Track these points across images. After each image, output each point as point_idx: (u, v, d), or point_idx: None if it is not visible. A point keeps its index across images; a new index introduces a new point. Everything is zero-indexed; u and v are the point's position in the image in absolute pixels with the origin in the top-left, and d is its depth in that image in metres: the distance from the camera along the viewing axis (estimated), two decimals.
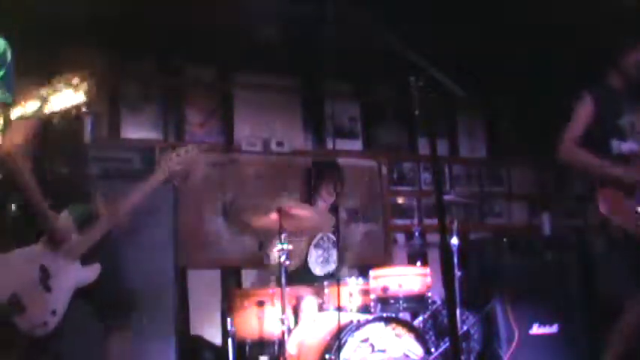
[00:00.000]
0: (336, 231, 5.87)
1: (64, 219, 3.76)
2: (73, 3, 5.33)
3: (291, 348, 4.86)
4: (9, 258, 3.63)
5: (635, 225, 4.37)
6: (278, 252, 4.90)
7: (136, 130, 6.42)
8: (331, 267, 5.87)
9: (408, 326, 4.82)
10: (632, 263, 4.45)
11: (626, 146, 4.54)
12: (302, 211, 5.11)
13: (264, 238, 5.77)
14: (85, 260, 3.86)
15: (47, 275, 3.67)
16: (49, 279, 3.67)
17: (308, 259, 5.86)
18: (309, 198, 5.90)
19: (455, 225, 5.52)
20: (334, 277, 5.43)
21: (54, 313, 3.64)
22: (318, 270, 5.84)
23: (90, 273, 3.87)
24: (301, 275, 5.62)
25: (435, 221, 3.85)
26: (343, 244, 5.96)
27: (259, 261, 5.94)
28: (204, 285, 6.44)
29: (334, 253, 5.89)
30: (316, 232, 5.75)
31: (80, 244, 3.84)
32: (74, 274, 3.80)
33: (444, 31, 6.06)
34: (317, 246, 5.87)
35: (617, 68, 4.68)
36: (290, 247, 4.98)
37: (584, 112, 4.64)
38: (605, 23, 5.03)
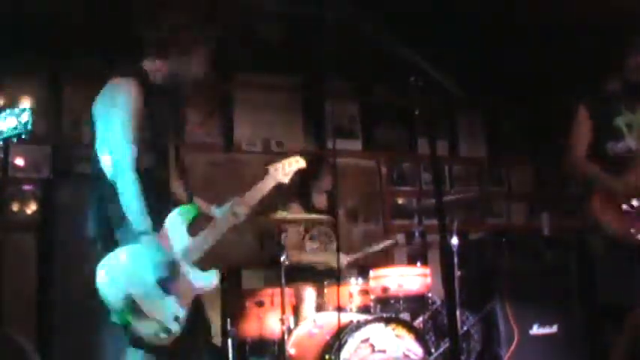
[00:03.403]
0: (335, 229, 5.88)
1: (174, 219, 3.57)
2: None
3: (290, 348, 4.86)
4: (122, 254, 3.39)
5: (623, 227, 4.39)
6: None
7: None
8: (328, 257, 5.88)
9: (408, 326, 4.83)
10: (628, 264, 4.45)
11: (622, 145, 4.55)
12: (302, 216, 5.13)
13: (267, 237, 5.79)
14: (203, 265, 3.64)
15: (166, 276, 3.41)
16: (167, 282, 3.42)
17: (304, 249, 5.86)
18: (303, 197, 5.91)
19: (455, 225, 5.52)
20: (333, 275, 5.44)
21: (176, 319, 3.40)
22: (315, 261, 5.85)
23: (210, 279, 3.63)
24: (299, 270, 5.61)
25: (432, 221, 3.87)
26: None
27: (259, 261, 5.95)
28: None
29: (330, 245, 5.89)
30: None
31: (195, 247, 3.61)
32: (192, 280, 3.55)
33: (444, 32, 6.06)
34: (312, 238, 5.87)
35: (616, 69, 4.69)
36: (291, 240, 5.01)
37: (580, 123, 4.66)
38: (606, 24, 5.03)
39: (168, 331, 3.36)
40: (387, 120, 7.66)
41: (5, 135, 3.17)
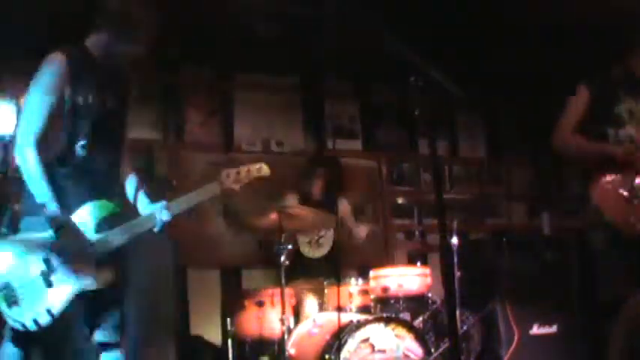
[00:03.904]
0: (336, 228, 5.88)
1: (82, 215, 3.50)
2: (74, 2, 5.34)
3: (290, 348, 4.86)
4: (13, 242, 3.44)
5: (625, 217, 4.38)
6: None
7: (136, 130, 6.39)
8: (324, 250, 5.88)
9: (408, 326, 4.83)
10: (629, 261, 4.45)
11: (624, 133, 4.54)
12: (301, 211, 5.11)
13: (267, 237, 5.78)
14: (101, 263, 3.50)
15: (51, 269, 3.39)
16: (52, 274, 3.40)
17: (297, 241, 5.86)
18: (303, 194, 5.93)
19: (455, 225, 5.52)
20: (330, 267, 5.45)
21: (49, 311, 3.37)
22: (307, 251, 5.85)
23: (101, 278, 3.49)
24: (297, 265, 5.60)
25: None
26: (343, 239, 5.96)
27: (259, 261, 5.95)
28: (204, 285, 6.45)
29: (326, 235, 5.89)
30: (316, 230, 5.77)
31: (98, 243, 3.49)
32: (81, 274, 3.44)
33: (443, 32, 6.06)
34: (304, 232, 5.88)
35: (621, 63, 4.67)
36: (290, 246, 5.00)
37: (578, 101, 4.63)
38: (606, 24, 5.03)
39: (37, 323, 3.35)
40: (387, 120, 7.66)
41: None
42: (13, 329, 3.38)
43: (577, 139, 4.56)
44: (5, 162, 5.42)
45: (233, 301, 5.35)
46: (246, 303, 5.15)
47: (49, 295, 3.40)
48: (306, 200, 5.89)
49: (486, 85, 7.18)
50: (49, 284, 3.40)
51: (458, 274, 5.43)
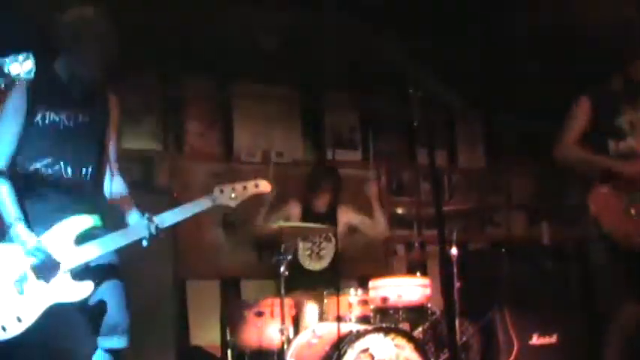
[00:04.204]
0: (335, 239, 5.88)
1: (59, 231, 3.52)
2: None
3: (290, 358, 4.86)
4: (5, 249, 3.47)
5: (624, 230, 4.38)
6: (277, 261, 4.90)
7: (136, 141, 6.42)
8: (325, 263, 5.87)
9: (408, 337, 4.82)
10: (628, 273, 4.46)
11: (624, 144, 4.54)
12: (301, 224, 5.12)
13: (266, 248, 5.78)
14: (79, 275, 3.51)
15: (24, 278, 3.41)
16: (24, 282, 3.42)
17: (297, 254, 5.86)
18: (305, 204, 5.93)
19: (454, 235, 5.53)
20: (330, 279, 5.44)
21: (19, 319, 3.37)
22: (308, 264, 5.85)
23: (78, 290, 3.49)
24: (296, 275, 5.60)
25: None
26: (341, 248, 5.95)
27: (258, 271, 5.95)
28: (203, 295, 6.44)
29: (327, 247, 5.89)
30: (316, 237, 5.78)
31: (73, 256, 3.50)
32: (56, 287, 3.46)
33: (442, 43, 6.07)
34: (305, 239, 5.87)
35: (621, 73, 4.68)
36: (289, 257, 5.00)
37: (579, 112, 4.64)
38: (606, 33, 5.05)
39: (4, 328, 3.36)
40: (386, 130, 7.66)
41: (9, 81, 3.16)
42: None
43: (579, 152, 4.57)
44: None
45: (232, 311, 5.35)
46: (246, 313, 5.14)
47: (22, 304, 3.42)
48: (308, 212, 5.89)
49: (486, 95, 7.19)
50: (21, 292, 3.42)
51: (457, 284, 5.43)
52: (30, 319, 3.41)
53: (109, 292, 3.60)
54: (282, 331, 4.80)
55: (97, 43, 3.66)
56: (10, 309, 3.40)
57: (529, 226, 8.10)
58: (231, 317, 5.30)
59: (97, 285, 3.55)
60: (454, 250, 5.47)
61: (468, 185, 7.99)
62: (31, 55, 2.95)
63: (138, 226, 3.65)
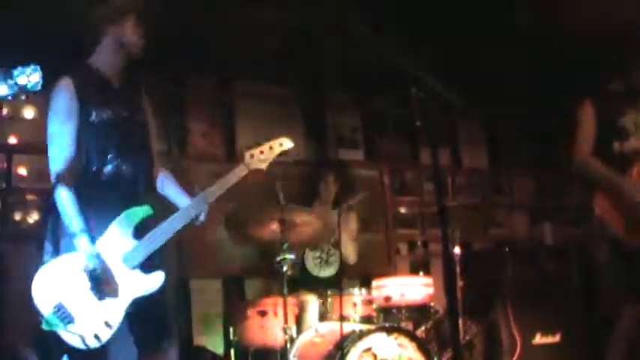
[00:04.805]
0: (338, 236, 5.88)
1: (118, 227, 3.55)
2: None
3: (293, 357, 4.86)
4: (57, 264, 3.46)
5: (628, 230, 4.39)
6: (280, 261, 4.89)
7: None
8: (332, 270, 5.87)
9: (411, 336, 4.83)
10: (630, 274, 4.46)
11: (628, 145, 4.55)
12: (303, 218, 5.10)
13: (268, 248, 5.78)
14: (148, 267, 3.58)
15: (99, 282, 3.43)
16: (100, 287, 3.43)
17: (305, 262, 5.87)
18: (309, 199, 5.93)
19: (457, 235, 5.53)
20: (336, 285, 5.44)
21: (107, 324, 3.41)
22: (320, 272, 5.85)
23: (151, 282, 3.57)
24: (302, 280, 5.62)
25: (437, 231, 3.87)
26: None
27: (261, 270, 5.95)
28: (206, 295, 6.45)
29: (335, 254, 5.88)
30: (317, 241, 5.75)
31: (137, 250, 3.56)
32: (131, 283, 3.52)
33: (445, 43, 6.07)
34: (313, 248, 5.87)
35: (622, 74, 4.69)
36: (292, 256, 4.99)
37: (586, 118, 4.64)
38: (608, 32, 5.05)
39: (97, 337, 3.39)
40: (388, 130, 7.67)
41: (15, 91, 3.15)
42: (72, 351, 3.40)
43: (599, 167, 4.57)
44: (9, 172, 5.45)
45: (236, 310, 5.36)
46: (249, 312, 5.15)
47: (104, 309, 3.44)
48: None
49: (488, 96, 7.19)
50: (101, 297, 3.44)
51: (460, 283, 5.43)
52: (117, 321, 3.45)
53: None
54: (285, 330, 4.80)
55: (137, 13, 3.75)
56: (97, 316, 3.42)
57: (532, 226, 8.10)
58: (235, 316, 5.31)
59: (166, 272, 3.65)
60: (457, 250, 5.47)
61: (471, 185, 7.99)
62: (38, 68, 2.96)
63: (189, 206, 3.74)
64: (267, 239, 5.15)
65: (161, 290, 3.61)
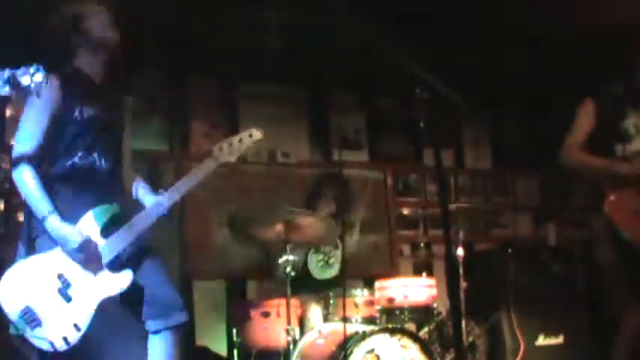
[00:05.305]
0: (341, 241, 5.87)
1: (86, 222, 3.51)
2: None
3: (296, 359, 4.86)
4: (25, 266, 3.45)
5: (636, 230, 4.38)
6: (283, 262, 4.89)
7: (142, 142, 6.42)
8: (333, 271, 5.86)
9: (414, 337, 4.82)
10: (635, 276, 4.45)
11: (631, 148, 4.54)
12: (307, 220, 5.10)
13: (272, 249, 5.76)
14: (116, 266, 3.53)
15: (67, 284, 3.42)
16: (68, 288, 3.42)
17: (308, 265, 5.86)
18: (309, 208, 5.92)
19: (460, 236, 5.53)
20: (338, 285, 5.43)
21: (76, 326, 3.39)
22: (321, 274, 5.84)
23: (119, 281, 3.51)
24: (304, 282, 5.62)
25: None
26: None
27: (264, 272, 5.95)
28: (209, 296, 6.45)
29: (336, 255, 5.87)
30: (320, 243, 5.73)
31: (106, 249, 3.51)
32: (99, 283, 3.48)
33: (448, 44, 6.07)
34: (316, 251, 5.87)
35: (624, 75, 4.68)
36: (295, 257, 4.99)
37: (585, 116, 4.65)
38: (610, 34, 5.05)
39: (65, 340, 3.37)
40: (392, 131, 7.66)
41: (19, 91, 3.15)
42: (40, 352, 3.39)
43: (581, 156, 4.58)
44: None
45: (238, 311, 5.35)
46: (252, 314, 5.14)
47: (72, 310, 3.42)
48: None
49: (491, 96, 7.19)
50: (68, 299, 3.43)
51: (463, 285, 5.43)
52: (85, 322, 3.43)
53: (151, 274, 3.64)
54: (288, 332, 4.80)
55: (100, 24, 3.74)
56: (65, 319, 3.40)
57: (535, 227, 8.08)
58: (237, 317, 5.30)
59: (135, 270, 3.56)
60: (460, 251, 5.46)
61: (474, 186, 7.98)
62: (41, 68, 2.96)
63: (155, 204, 3.68)
64: (270, 240, 5.15)
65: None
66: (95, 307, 3.45)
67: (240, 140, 3.94)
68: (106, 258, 3.52)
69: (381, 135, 7.61)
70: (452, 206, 5.47)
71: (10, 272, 3.45)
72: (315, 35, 6.00)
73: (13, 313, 3.37)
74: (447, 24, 5.93)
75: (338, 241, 5.83)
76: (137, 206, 3.82)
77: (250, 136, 3.97)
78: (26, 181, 3.49)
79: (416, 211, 7.54)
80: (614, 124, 4.58)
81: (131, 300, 3.58)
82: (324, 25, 5.23)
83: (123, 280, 3.52)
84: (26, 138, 3.55)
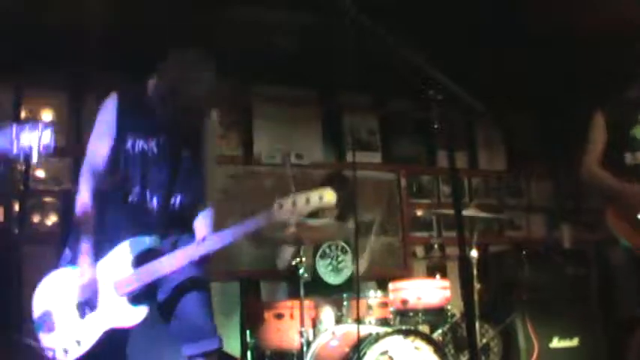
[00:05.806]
0: (355, 241, 5.87)
1: (121, 250, 3.51)
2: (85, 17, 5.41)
3: None
4: (65, 273, 3.54)
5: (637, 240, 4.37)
6: (291, 259, 4.89)
7: None
8: (346, 275, 5.85)
9: (427, 339, 4.81)
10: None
11: None
12: (321, 221, 5.10)
13: (283, 251, 5.77)
14: (136, 300, 3.46)
15: (87, 302, 3.45)
16: (86, 306, 3.45)
17: (317, 269, 5.85)
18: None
19: (474, 238, 5.52)
20: (351, 289, 5.43)
21: (78, 343, 3.42)
22: (331, 279, 5.83)
23: (132, 315, 3.44)
24: (316, 287, 5.61)
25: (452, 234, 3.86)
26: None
27: (278, 273, 5.95)
28: (223, 297, 6.45)
29: (345, 260, 5.86)
30: (326, 240, 5.72)
31: (128, 280, 3.45)
32: (113, 312, 3.44)
33: (463, 46, 6.06)
34: (323, 256, 5.86)
35: (636, 82, 4.66)
36: (305, 258, 4.99)
37: (595, 130, 4.64)
38: (624, 36, 5.03)
39: (66, 351, 3.44)
40: (406, 133, 7.65)
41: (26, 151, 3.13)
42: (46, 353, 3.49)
43: (602, 176, 4.56)
44: (27, 174, 5.47)
45: (252, 313, 5.36)
46: (266, 315, 5.15)
47: (82, 328, 3.47)
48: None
49: (506, 98, 7.17)
50: (83, 315, 3.48)
51: (477, 286, 5.42)
52: (88, 343, 3.45)
53: (191, 304, 3.62)
54: (301, 333, 4.80)
55: (197, 90, 3.67)
56: (72, 332, 3.47)
57: (549, 229, 8.06)
58: (251, 318, 5.31)
59: (177, 300, 3.56)
60: (474, 253, 5.45)
61: (488, 188, 7.97)
62: (50, 127, 2.87)
63: (192, 246, 3.53)
64: (284, 241, 5.15)
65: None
66: (101, 332, 3.44)
67: (308, 201, 3.26)
68: (129, 289, 3.45)
69: (394, 136, 7.61)
70: (468, 210, 5.43)
71: (51, 276, 3.59)
72: (329, 36, 5.99)
73: (37, 311, 3.54)
74: (463, 27, 5.92)
75: (346, 246, 5.81)
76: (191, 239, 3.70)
77: (320, 198, 3.25)
78: (81, 189, 3.56)
79: (429, 213, 7.52)
80: (624, 132, 4.56)
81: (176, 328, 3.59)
82: (338, 26, 5.24)
83: (137, 314, 3.46)
84: (88, 159, 3.60)
